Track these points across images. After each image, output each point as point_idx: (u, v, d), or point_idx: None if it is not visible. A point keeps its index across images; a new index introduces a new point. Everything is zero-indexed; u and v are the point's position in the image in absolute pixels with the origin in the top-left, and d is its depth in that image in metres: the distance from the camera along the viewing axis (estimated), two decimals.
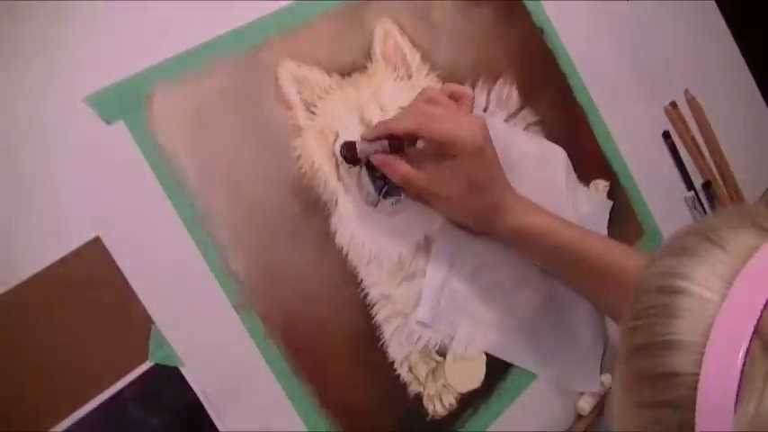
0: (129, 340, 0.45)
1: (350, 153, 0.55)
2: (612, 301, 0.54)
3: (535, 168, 0.66)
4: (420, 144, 0.56)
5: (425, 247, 0.59)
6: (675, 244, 0.32)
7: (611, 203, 0.72)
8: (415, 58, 0.62)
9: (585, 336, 0.66)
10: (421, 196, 0.56)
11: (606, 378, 0.67)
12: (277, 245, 0.52)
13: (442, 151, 0.54)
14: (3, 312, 0.41)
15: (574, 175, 0.70)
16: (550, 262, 0.57)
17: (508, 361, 0.61)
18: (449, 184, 0.54)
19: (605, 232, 0.71)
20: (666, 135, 0.81)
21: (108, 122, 0.47)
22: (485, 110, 0.66)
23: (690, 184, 0.82)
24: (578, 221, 0.66)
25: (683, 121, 0.83)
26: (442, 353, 0.58)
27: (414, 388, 0.56)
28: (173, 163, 0.49)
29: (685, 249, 0.31)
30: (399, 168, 0.54)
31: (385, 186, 0.57)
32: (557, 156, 0.68)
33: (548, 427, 0.63)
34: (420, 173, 0.54)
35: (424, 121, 0.54)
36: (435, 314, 0.58)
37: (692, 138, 0.84)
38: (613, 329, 0.69)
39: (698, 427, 0.27)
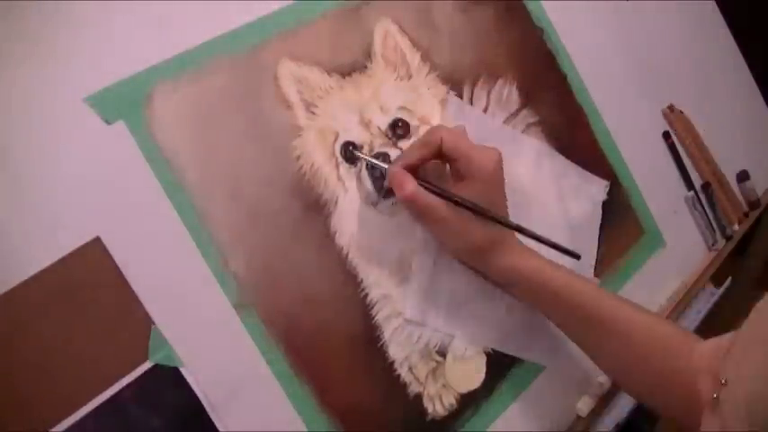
0: (129, 340, 0.45)
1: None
2: (602, 350, 0.55)
3: (526, 170, 0.67)
4: (431, 164, 0.55)
5: None
6: None
7: (605, 188, 0.72)
8: (415, 58, 0.62)
9: None
10: (421, 218, 0.55)
11: (604, 379, 0.67)
12: (277, 245, 0.52)
13: (456, 170, 0.53)
14: (3, 312, 0.41)
15: (568, 177, 0.70)
16: (541, 306, 0.57)
17: (512, 354, 0.61)
18: (453, 208, 0.53)
19: (597, 233, 0.71)
20: (666, 135, 0.81)
21: (108, 122, 0.47)
22: (485, 110, 0.66)
23: (690, 184, 0.82)
24: (569, 225, 0.67)
25: (682, 122, 0.83)
26: (442, 353, 0.58)
27: (414, 388, 0.56)
28: (173, 163, 0.49)
29: None
30: (408, 184, 0.52)
31: (385, 186, 0.57)
32: (550, 159, 0.69)
33: (547, 427, 0.63)
34: (423, 194, 0.53)
35: (451, 136, 0.53)
36: (425, 312, 0.58)
37: (692, 138, 0.84)
38: None
39: None
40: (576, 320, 0.55)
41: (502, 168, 0.55)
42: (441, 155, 0.54)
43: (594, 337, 0.55)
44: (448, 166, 0.56)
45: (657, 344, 0.52)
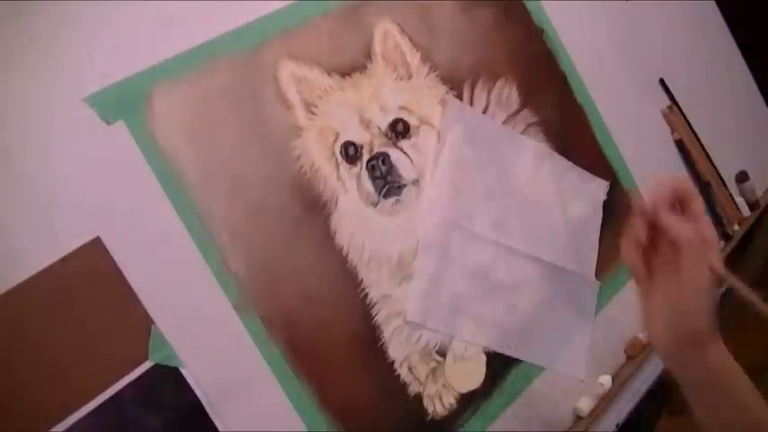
0: (129, 340, 0.45)
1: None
2: None
3: (526, 171, 0.67)
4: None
5: None
6: None
7: (605, 188, 0.72)
8: (415, 58, 0.62)
9: (576, 330, 0.67)
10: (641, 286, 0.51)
11: (604, 379, 0.67)
12: (277, 245, 0.52)
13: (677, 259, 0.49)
14: (3, 312, 0.41)
15: (568, 178, 0.70)
16: (718, 407, 0.53)
17: (512, 355, 0.61)
18: (666, 289, 0.49)
19: (597, 233, 0.70)
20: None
21: (108, 122, 0.47)
22: (485, 110, 0.66)
23: (701, 183, 0.82)
24: (569, 226, 0.67)
25: (682, 122, 0.83)
26: (442, 353, 0.58)
27: (414, 388, 0.56)
28: (173, 163, 0.49)
29: None
30: (631, 252, 0.49)
31: (385, 186, 0.57)
32: (550, 159, 0.69)
33: (547, 427, 0.63)
34: (643, 264, 0.47)
35: (684, 230, 0.47)
36: (427, 313, 0.58)
37: (691, 139, 0.84)
38: (609, 329, 0.69)
39: None
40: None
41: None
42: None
43: None
44: None
45: None
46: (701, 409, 0.51)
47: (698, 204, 0.49)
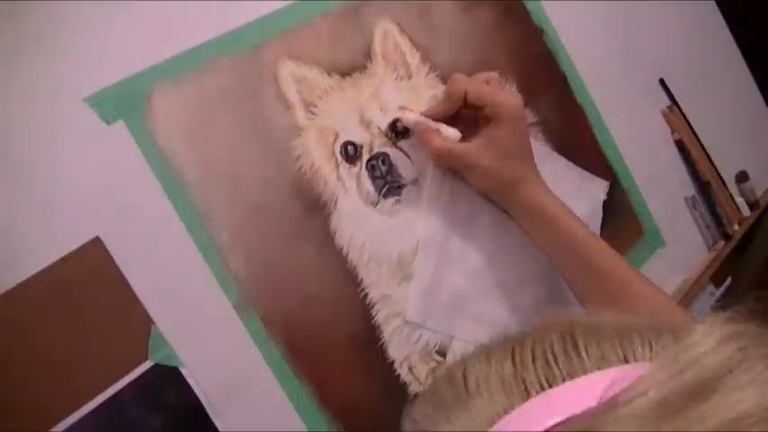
0: (129, 340, 0.45)
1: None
2: (597, 302, 0.57)
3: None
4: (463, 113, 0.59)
5: None
6: (437, 388, 0.29)
7: (605, 188, 0.73)
8: (414, 57, 0.62)
9: None
10: (453, 167, 0.59)
11: None
12: (277, 245, 0.52)
13: (483, 115, 0.57)
14: (3, 312, 0.41)
15: (570, 176, 0.70)
16: (551, 247, 0.60)
17: None
18: (482, 153, 0.57)
19: (597, 233, 0.70)
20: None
21: (108, 122, 0.47)
22: None
23: (699, 183, 0.82)
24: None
25: (682, 122, 0.83)
26: (442, 353, 0.58)
27: (414, 388, 0.56)
28: (173, 163, 0.49)
29: (440, 402, 0.28)
30: (433, 141, 0.57)
31: (385, 186, 0.57)
32: (550, 159, 0.69)
33: None
34: (454, 145, 0.57)
35: (474, 86, 0.57)
36: (427, 314, 0.57)
37: (691, 139, 0.84)
38: None
39: None
40: (581, 270, 0.58)
41: (524, 110, 0.59)
42: (466, 105, 0.57)
43: (593, 290, 0.57)
44: None
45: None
46: (534, 236, 0.61)
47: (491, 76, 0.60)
